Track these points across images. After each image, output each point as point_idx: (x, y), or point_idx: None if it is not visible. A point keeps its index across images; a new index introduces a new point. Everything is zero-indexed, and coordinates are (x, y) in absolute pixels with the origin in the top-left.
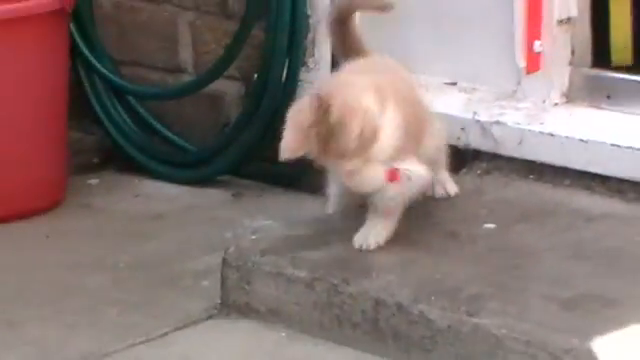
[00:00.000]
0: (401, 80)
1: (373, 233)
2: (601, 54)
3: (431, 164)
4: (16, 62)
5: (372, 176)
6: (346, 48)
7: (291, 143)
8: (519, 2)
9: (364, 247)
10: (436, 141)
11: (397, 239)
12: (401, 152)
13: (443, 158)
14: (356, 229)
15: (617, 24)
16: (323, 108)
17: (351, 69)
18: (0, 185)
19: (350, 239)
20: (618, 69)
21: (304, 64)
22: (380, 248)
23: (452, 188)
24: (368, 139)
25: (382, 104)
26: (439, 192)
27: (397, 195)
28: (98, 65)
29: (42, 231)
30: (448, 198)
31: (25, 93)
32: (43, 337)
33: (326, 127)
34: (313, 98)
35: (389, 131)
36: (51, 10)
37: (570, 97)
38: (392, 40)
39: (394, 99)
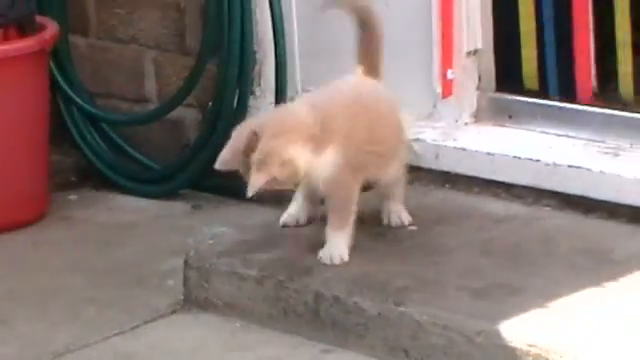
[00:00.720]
0: (363, 107)
1: (334, 250)
2: (504, 80)
3: (387, 192)
4: (2, 96)
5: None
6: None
7: (225, 157)
8: (435, 37)
9: (330, 263)
10: (397, 172)
11: None
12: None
13: (401, 191)
14: (298, 235)
15: (527, 56)
16: (252, 144)
17: (310, 98)
18: None
19: (294, 243)
20: (517, 93)
21: (252, 93)
22: (319, 249)
23: (406, 218)
24: (288, 179)
25: (318, 144)
26: (395, 221)
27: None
28: (75, 97)
29: (29, 240)
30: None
31: (11, 122)
32: (31, 332)
33: (251, 160)
34: (250, 132)
35: (323, 169)
36: (33, 51)
37: (478, 117)
38: (326, 72)
39: (337, 135)
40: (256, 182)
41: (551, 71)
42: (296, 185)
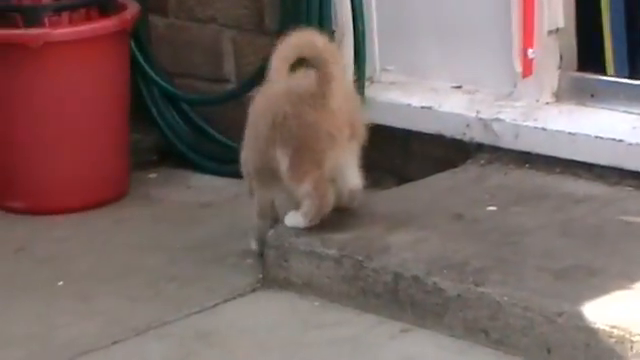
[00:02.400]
0: None
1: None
2: (586, 59)
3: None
4: (85, 75)
5: None
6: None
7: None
8: (515, 15)
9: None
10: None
11: (411, 221)
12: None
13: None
14: (375, 215)
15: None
16: None
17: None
18: (74, 180)
19: (372, 222)
20: (599, 72)
21: None
22: (397, 229)
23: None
24: None
25: None
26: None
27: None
28: (155, 77)
29: (110, 219)
30: (455, 185)
31: (94, 102)
32: (112, 309)
33: None
34: None
35: None
36: (114, 31)
37: (559, 97)
38: (406, 51)
39: None
40: None
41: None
42: None
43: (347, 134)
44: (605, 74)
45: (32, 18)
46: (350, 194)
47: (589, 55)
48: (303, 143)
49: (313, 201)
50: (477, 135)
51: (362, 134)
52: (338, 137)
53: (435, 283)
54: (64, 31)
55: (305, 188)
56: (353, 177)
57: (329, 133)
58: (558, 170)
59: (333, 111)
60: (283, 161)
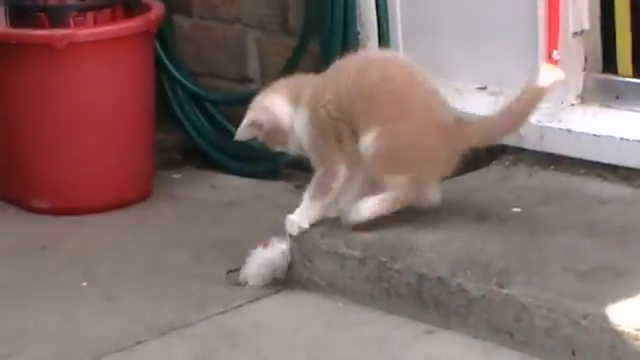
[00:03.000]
0: (348, 75)
1: (296, 217)
2: (610, 61)
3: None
4: (109, 76)
5: None
6: None
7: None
8: (540, 17)
9: (287, 230)
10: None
11: (435, 222)
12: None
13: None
14: (400, 215)
15: (620, 43)
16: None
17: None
18: (98, 180)
19: (396, 223)
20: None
21: None
22: (421, 230)
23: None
24: (270, 128)
25: (296, 102)
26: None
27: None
28: (179, 77)
29: (135, 218)
30: (479, 186)
31: (120, 101)
32: (136, 307)
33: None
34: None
35: (298, 127)
36: (139, 31)
37: (584, 98)
38: (430, 51)
39: (306, 96)
40: (241, 126)
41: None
42: (287, 142)
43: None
44: (625, 75)
45: (57, 18)
46: (346, 216)
47: (614, 57)
48: (417, 142)
49: (397, 195)
50: None
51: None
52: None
53: (459, 284)
54: (89, 31)
55: (397, 180)
56: (434, 193)
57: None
58: (583, 172)
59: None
60: (372, 145)
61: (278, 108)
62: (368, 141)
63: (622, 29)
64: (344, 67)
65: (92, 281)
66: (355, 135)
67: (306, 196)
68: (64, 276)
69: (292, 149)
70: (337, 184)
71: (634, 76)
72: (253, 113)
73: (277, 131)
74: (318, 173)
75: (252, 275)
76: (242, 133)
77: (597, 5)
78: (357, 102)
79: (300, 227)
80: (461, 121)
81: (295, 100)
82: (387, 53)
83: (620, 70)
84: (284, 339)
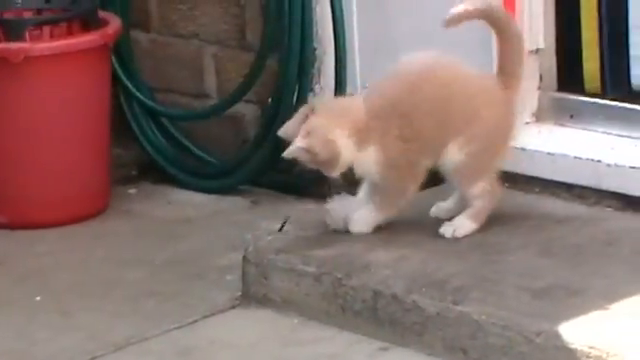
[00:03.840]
0: (409, 99)
1: (361, 218)
2: (565, 80)
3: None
4: (66, 90)
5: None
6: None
7: (287, 127)
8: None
9: (349, 226)
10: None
11: (391, 239)
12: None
13: (472, 201)
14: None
15: (588, 56)
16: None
17: (375, 86)
18: (54, 195)
19: (352, 240)
20: (579, 93)
21: (312, 89)
22: (377, 247)
23: (461, 232)
24: (327, 159)
25: (362, 140)
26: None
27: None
28: (136, 92)
29: (90, 233)
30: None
31: (74, 116)
32: (92, 324)
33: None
34: (309, 107)
35: (367, 167)
36: (96, 46)
37: (539, 117)
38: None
39: (376, 134)
40: (295, 146)
41: (610, 71)
42: (333, 171)
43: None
44: (587, 94)
45: (13, 32)
46: (344, 223)
47: (569, 75)
48: (492, 141)
49: (485, 202)
50: None
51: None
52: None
53: (414, 301)
54: (45, 45)
55: (480, 187)
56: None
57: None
58: (537, 190)
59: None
60: (455, 158)
61: (343, 147)
62: (450, 155)
63: (590, 46)
64: (394, 93)
65: (47, 296)
66: (426, 153)
67: (372, 204)
68: (19, 291)
69: (334, 175)
70: (404, 203)
71: (602, 93)
72: (313, 141)
73: (328, 164)
74: (386, 188)
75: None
76: (294, 154)
77: (552, 24)
78: (426, 122)
79: (361, 231)
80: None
81: (361, 140)
82: (420, 60)
83: (587, 87)
84: (239, 355)
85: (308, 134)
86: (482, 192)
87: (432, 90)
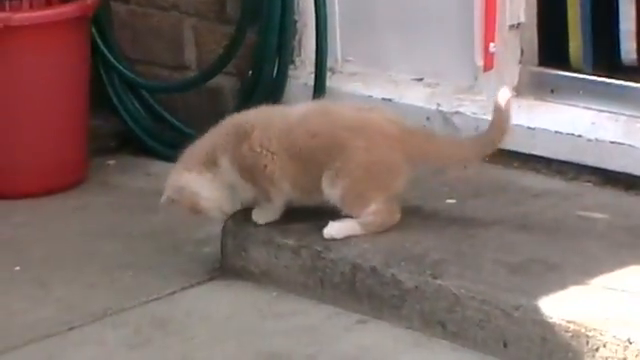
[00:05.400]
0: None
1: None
2: (546, 54)
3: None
4: (45, 61)
5: None
6: None
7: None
8: (477, 10)
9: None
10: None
11: None
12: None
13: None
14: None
15: (572, 34)
16: None
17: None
18: (32, 165)
19: (329, 214)
20: (560, 67)
21: (292, 62)
22: None
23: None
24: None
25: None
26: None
27: None
28: (115, 63)
29: (67, 205)
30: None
31: (53, 87)
32: (69, 295)
33: None
34: None
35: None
36: (74, 16)
37: (519, 91)
38: (367, 42)
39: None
40: (161, 201)
41: (590, 47)
42: (212, 213)
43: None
44: (568, 69)
45: None
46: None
47: (550, 50)
48: (368, 173)
49: (378, 218)
50: (437, 128)
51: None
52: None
53: (393, 275)
54: (24, 16)
55: (372, 209)
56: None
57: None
58: (516, 164)
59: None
60: (335, 188)
61: (198, 186)
62: (327, 190)
63: (574, 21)
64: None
65: (25, 267)
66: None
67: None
68: None
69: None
70: (276, 209)
71: (579, 69)
72: (169, 191)
73: (197, 209)
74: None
75: None
76: (161, 205)
77: None
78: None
79: (257, 221)
80: (415, 132)
81: (211, 162)
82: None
83: (573, 62)
84: (216, 327)
85: (171, 186)
86: (375, 212)
87: (301, 136)
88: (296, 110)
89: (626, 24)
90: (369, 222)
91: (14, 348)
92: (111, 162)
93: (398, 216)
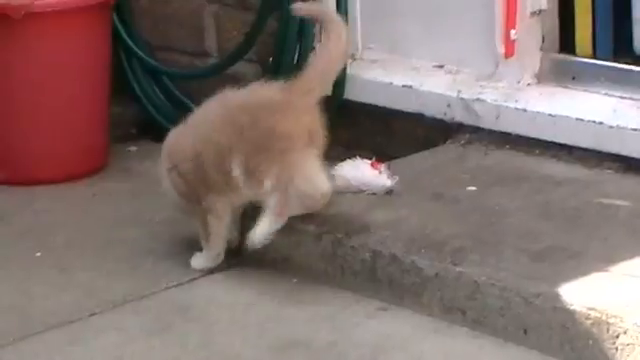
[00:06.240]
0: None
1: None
2: (567, 41)
3: None
4: (66, 47)
5: None
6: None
7: None
8: None
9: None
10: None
11: (391, 200)
12: None
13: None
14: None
15: (580, 23)
16: None
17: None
18: (53, 152)
19: (349, 203)
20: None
21: (312, 49)
22: (377, 208)
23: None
24: None
25: None
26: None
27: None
28: (137, 50)
29: (89, 191)
30: (435, 164)
31: (74, 74)
32: (90, 281)
33: None
34: None
35: None
36: (97, 3)
37: (540, 78)
38: (388, 29)
39: None
40: None
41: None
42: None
43: (305, 140)
44: (585, 56)
45: None
46: (323, 198)
47: (571, 37)
48: (260, 145)
49: (280, 195)
50: (458, 115)
51: (320, 144)
52: (295, 139)
53: (413, 262)
54: (46, 2)
55: (267, 186)
56: (322, 182)
57: (287, 134)
58: (538, 152)
59: (291, 117)
60: (238, 169)
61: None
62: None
63: (582, 10)
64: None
65: (46, 253)
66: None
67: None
68: (18, 247)
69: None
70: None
71: (593, 57)
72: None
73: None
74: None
75: (341, 177)
76: None
77: None
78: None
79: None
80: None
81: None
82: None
83: (578, 51)
84: (237, 315)
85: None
86: (269, 190)
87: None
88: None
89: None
90: (275, 205)
91: (35, 334)
92: (132, 149)
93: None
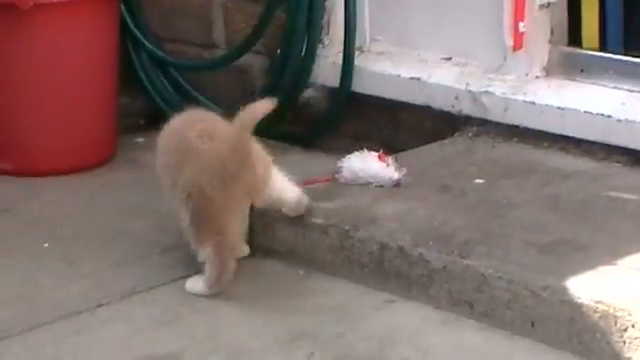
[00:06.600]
0: None
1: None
2: (575, 34)
3: None
4: (75, 38)
5: None
6: None
7: None
8: None
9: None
10: None
11: (398, 192)
12: None
13: None
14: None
15: (587, 17)
16: None
17: None
18: (60, 143)
19: (356, 195)
20: (589, 48)
21: (320, 41)
22: (384, 200)
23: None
24: None
25: None
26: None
27: None
28: (144, 41)
29: (97, 182)
30: (442, 157)
31: (83, 65)
32: (98, 272)
33: None
34: None
35: None
36: None
37: (549, 71)
38: (397, 21)
39: None
40: None
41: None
42: None
43: (245, 201)
44: (593, 49)
45: None
46: (298, 205)
47: (580, 30)
48: (201, 213)
49: (214, 267)
50: (466, 107)
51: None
52: (236, 209)
53: (421, 254)
54: None
55: (206, 252)
56: (290, 191)
57: (227, 207)
58: (546, 144)
59: (233, 189)
60: (185, 218)
61: None
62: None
63: (590, 3)
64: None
65: (54, 244)
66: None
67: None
68: (26, 239)
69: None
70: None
71: (600, 50)
72: None
73: None
74: None
75: (348, 169)
76: None
77: None
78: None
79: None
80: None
81: None
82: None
83: (585, 44)
84: (244, 306)
85: None
86: (207, 257)
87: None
88: None
89: None
90: (208, 277)
91: (43, 324)
92: (140, 140)
93: (233, 265)
